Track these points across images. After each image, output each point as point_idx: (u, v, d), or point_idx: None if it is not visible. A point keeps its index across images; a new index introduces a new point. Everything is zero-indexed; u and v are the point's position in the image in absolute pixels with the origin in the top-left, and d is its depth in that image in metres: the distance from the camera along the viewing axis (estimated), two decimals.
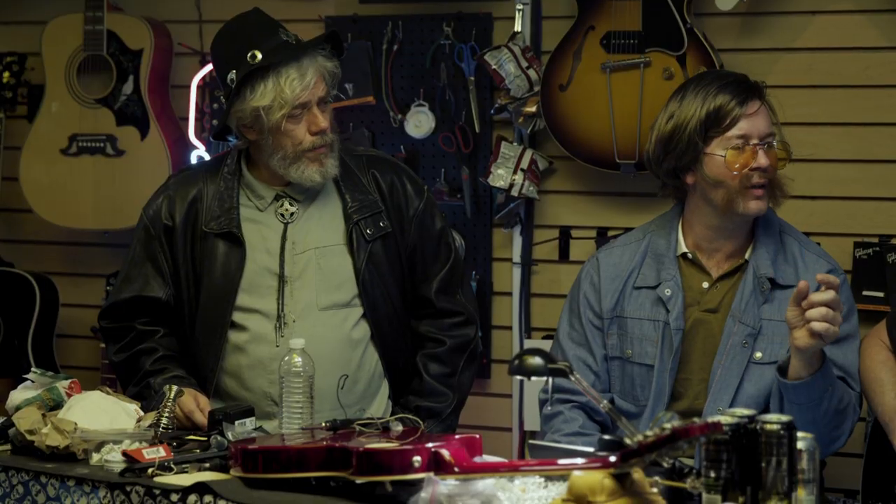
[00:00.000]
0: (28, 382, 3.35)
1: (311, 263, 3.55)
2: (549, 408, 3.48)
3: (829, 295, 3.01)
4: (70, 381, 3.32)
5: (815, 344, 3.05)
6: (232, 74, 3.45)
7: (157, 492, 2.79)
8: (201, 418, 3.26)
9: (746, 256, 3.41)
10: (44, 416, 3.11)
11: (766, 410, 3.32)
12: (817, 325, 3.00)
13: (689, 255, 3.44)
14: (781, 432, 2.42)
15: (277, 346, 3.51)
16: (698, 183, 3.39)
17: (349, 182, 3.60)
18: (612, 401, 3.45)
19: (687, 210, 3.47)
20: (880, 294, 4.24)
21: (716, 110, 3.33)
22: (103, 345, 4.81)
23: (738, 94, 3.35)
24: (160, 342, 3.58)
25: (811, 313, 3.01)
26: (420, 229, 3.66)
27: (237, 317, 3.53)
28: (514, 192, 4.59)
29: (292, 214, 3.57)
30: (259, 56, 3.42)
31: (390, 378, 3.66)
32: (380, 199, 3.61)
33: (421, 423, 2.93)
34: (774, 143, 3.36)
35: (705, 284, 3.43)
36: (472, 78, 4.68)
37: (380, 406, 3.63)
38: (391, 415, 3.59)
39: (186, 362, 3.59)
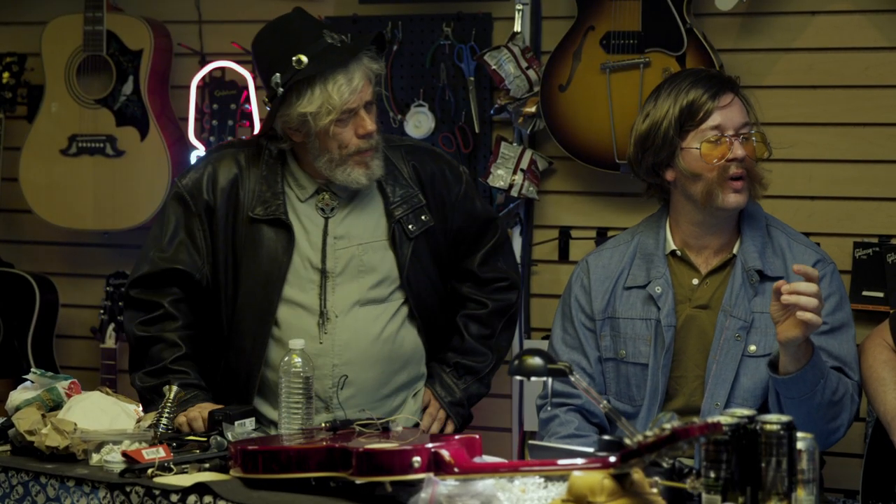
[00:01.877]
0: (28, 383, 3.35)
1: (353, 259, 3.54)
2: (547, 410, 3.49)
3: (814, 287, 3.04)
4: (70, 381, 3.32)
5: (798, 335, 3.07)
6: (276, 77, 3.42)
7: (157, 492, 2.79)
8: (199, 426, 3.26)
9: (734, 251, 3.43)
10: (43, 416, 3.11)
11: (764, 404, 3.33)
12: (806, 315, 3.02)
13: (678, 253, 3.47)
14: (781, 432, 2.42)
15: (321, 343, 3.51)
16: (678, 179, 3.42)
17: (390, 176, 3.60)
18: (608, 402, 3.45)
19: (672, 208, 3.50)
20: (880, 294, 4.24)
21: (689, 105, 3.37)
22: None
23: (709, 87, 3.39)
24: (183, 337, 3.51)
25: (801, 300, 3.02)
26: (462, 213, 3.68)
27: (281, 310, 3.51)
28: (514, 193, 4.58)
29: (332, 209, 3.55)
30: (305, 60, 3.40)
31: (429, 353, 3.68)
32: (420, 191, 3.61)
33: (420, 422, 2.94)
34: (752, 135, 3.38)
35: (695, 281, 3.44)
36: (472, 78, 4.68)
37: (416, 401, 3.66)
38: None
39: (204, 360, 3.56)
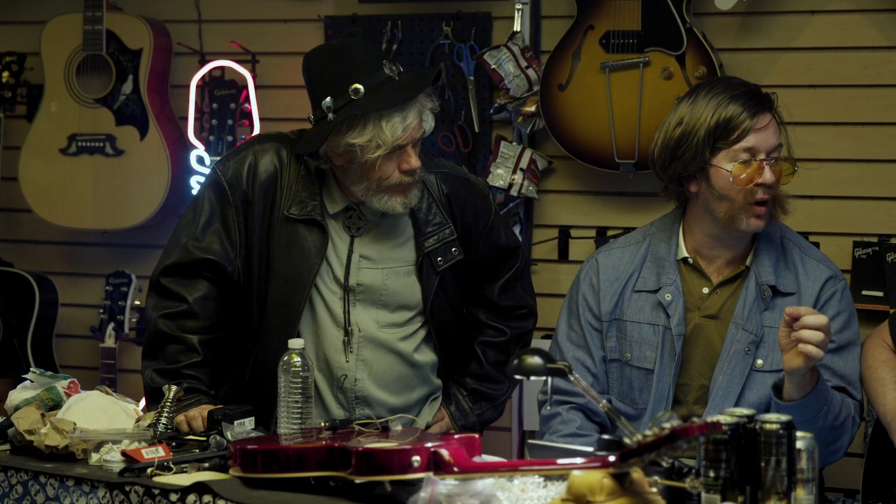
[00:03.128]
0: (27, 382, 3.34)
1: (376, 283, 3.52)
2: (547, 409, 3.48)
3: (822, 319, 3.01)
4: (69, 380, 3.32)
5: (803, 365, 3.04)
6: (328, 101, 3.37)
7: (157, 492, 2.79)
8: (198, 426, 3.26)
9: (747, 263, 3.40)
10: (43, 415, 3.11)
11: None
12: (808, 348, 3.00)
13: (690, 260, 3.43)
14: (780, 432, 2.42)
15: (347, 361, 3.52)
16: (701, 193, 3.36)
17: (423, 202, 3.55)
18: (609, 402, 3.45)
19: (688, 216, 3.45)
20: (880, 294, 4.24)
21: (726, 121, 3.29)
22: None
23: (749, 106, 3.31)
24: (202, 342, 3.47)
25: (804, 334, 3.00)
26: (487, 245, 3.65)
27: (308, 314, 3.50)
28: (514, 192, 4.58)
29: (359, 229, 3.53)
30: (362, 90, 3.35)
31: (443, 366, 3.69)
32: (451, 221, 3.58)
33: (421, 423, 2.94)
34: (781, 157, 3.34)
35: (705, 290, 3.41)
36: (472, 77, 4.68)
37: (433, 408, 3.68)
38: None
39: (231, 356, 3.56)
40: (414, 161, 3.41)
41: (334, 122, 3.36)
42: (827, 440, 3.22)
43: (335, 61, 3.41)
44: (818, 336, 3.00)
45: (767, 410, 3.30)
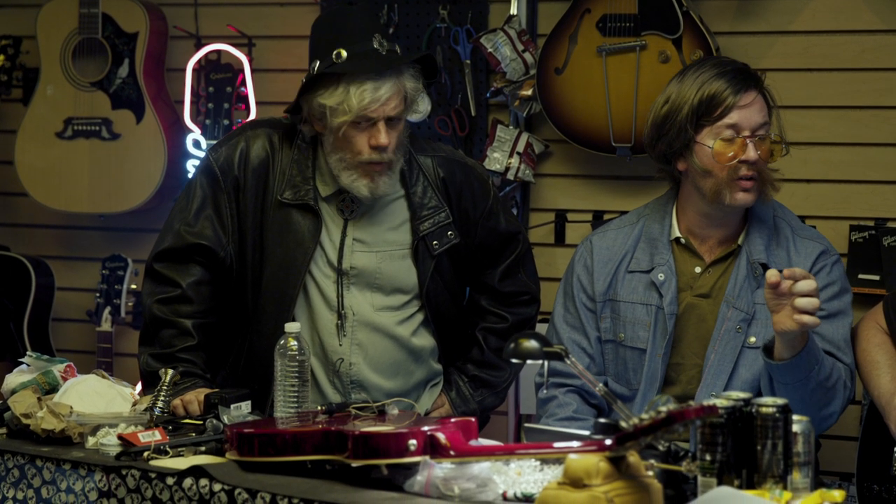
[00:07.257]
0: (23, 366, 3.34)
1: (371, 266, 3.52)
2: (544, 392, 3.48)
3: (812, 284, 3.03)
4: (65, 364, 3.32)
5: (794, 329, 3.06)
6: (315, 64, 3.41)
7: (153, 475, 2.79)
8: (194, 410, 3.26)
9: (739, 242, 3.41)
10: (39, 399, 3.11)
11: (759, 394, 3.33)
12: (805, 318, 3.02)
13: (683, 240, 3.44)
14: (777, 415, 2.42)
15: (340, 345, 3.52)
16: (689, 170, 3.38)
17: (419, 186, 3.56)
18: (605, 384, 3.45)
19: (680, 195, 3.47)
20: (876, 277, 4.25)
21: (709, 98, 3.32)
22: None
23: (734, 83, 3.33)
24: (197, 326, 3.48)
25: (800, 302, 3.02)
26: (485, 229, 3.65)
27: (302, 299, 3.51)
28: (510, 176, 4.58)
29: (353, 212, 3.53)
30: (344, 55, 3.37)
31: (442, 351, 3.69)
32: (447, 205, 3.58)
33: (415, 405, 2.94)
34: (771, 135, 3.35)
35: (697, 269, 3.43)
36: (468, 61, 4.68)
37: (433, 394, 3.68)
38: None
39: (224, 342, 3.57)
40: (383, 138, 3.40)
41: (308, 77, 3.39)
42: (820, 402, 3.24)
43: (329, 27, 3.46)
44: (814, 303, 3.02)
45: (761, 387, 3.32)
